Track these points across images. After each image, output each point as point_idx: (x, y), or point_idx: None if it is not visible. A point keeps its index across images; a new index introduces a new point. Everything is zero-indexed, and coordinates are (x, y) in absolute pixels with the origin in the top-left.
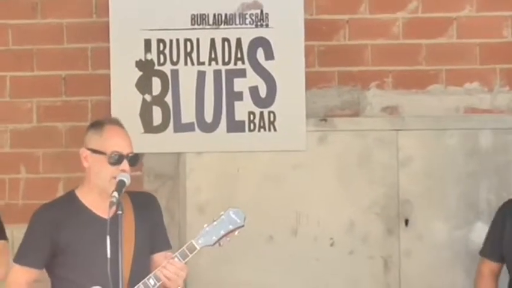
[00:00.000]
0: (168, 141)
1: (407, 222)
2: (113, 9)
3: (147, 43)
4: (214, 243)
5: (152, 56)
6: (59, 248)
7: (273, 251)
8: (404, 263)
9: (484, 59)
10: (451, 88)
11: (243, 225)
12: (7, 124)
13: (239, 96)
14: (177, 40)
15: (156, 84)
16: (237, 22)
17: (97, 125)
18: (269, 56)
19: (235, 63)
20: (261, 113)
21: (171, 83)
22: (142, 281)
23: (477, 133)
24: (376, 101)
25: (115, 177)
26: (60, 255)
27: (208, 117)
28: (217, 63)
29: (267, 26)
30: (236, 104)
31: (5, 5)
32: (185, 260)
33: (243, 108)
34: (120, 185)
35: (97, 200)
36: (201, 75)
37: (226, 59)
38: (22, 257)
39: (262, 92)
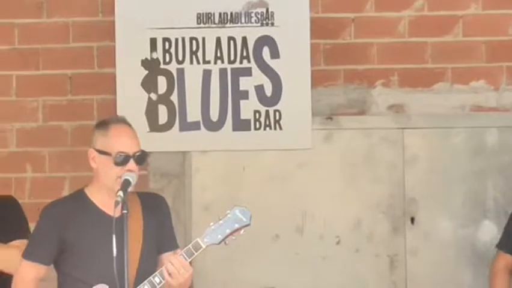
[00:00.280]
0: (174, 140)
1: (413, 220)
2: (118, 8)
3: (153, 42)
4: (220, 242)
5: (158, 54)
6: (66, 244)
7: (279, 250)
8: (410, 261)
9: (490, 57)
10: (457, 86)
11: (249, 224)
12: (13, 123)
13: (245, 94)
14: (183, 39)
15: (162, 83)
16: (243, 21)
17: (103, 124)
18: (275, 54)
19: (241, 62)
20: (267, 112)
21: (177, 81)
22: (148, 279)
23: (483, 131)
24: (382, 99)
25: (121, 177)
26: (67, 252)
27: (214, 115)
28: (222, 61)
29: (272, 24)
30: (242, 102)
31: (11, 4)
32: (191, 258)
33: (249, 107)
34: (125, 184)
35: (106, 198)
36: (207, 74)
37: (232, 58)
38: (30, 253)
39: (268, 91)
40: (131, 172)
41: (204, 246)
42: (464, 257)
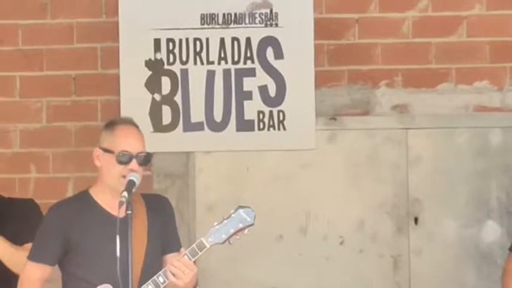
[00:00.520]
0: (177, 140)
1: (416, 220)
2: (122, 9)
3: (156, 43)
4: (224, 242)
5: (162, 55)
6: (71, 245)
7: (283, 250)
8: (413, 261)
9: (494, 57)
10: (461, 87)
11: (253, 224)
12: (17, 124)
13: (248, 95)
14: (187, 39)
15: (166, 83)
16: (247, 21)
17: (111, 124)
18: (279, 55)
19: (245, 63)
20: (271, 112)
21: (181, 82)
22: (151, 279)
23: (487, 131)
24: (386, 100)
25: (124, 176)
26: (72, 252)
27: (218, 116)
28: (226, 62)
29: (276, 25)
30: (245, 103)
31: (15, 5)
32: (195, 258)
33: (253, 108)
34: (130, 184)
35: (110, 199)
36: (211, 75)
37: (236, 58)
38: (35, 254)
39: (272, 91)
40: (134, 172)
41: (208, 246)
42: (468, 257)
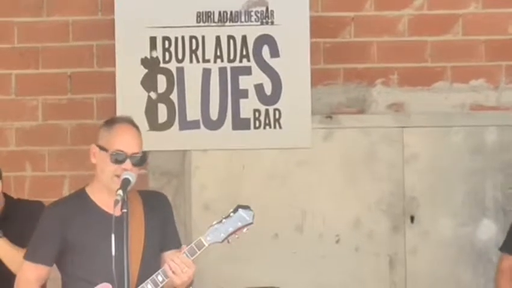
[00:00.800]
0: (173, 138)
1: (412, 219)
2: (118, 6)
3: (152, 41)
4: (223, 240)
5: (158, 53)
6: (68, 244)
7: (279, 248)
8: (409, 259)
9: (490, 55)
10: (457, 85)
11: (251, 223)
12: (12, 122)
13: (244, 93)
14: (182, 37)
15: (161, 81)
16: (242, 19)
17: (109, 122)
18: (274, 53)
19: (241, 61)
20: (266, 111)
21: (176, 80)
22: (150, 278)
23: (483, 130)
24: (382, 98)
25: (118, 176)
26: (69, 252)
27: (214, 114)
28: (222, 60)
29: (272, 23)
30: (241, 101)
31: (11, 3)
32: (194, 257)
33: (248, 106)
34: (125, 183)
35: (106, 197)
36: (206, 73)
37: (232, 57)
38: (32, 254)
39: (268, 90)
40: (127, 171)
41: (206, 245)
42: (464, 256)
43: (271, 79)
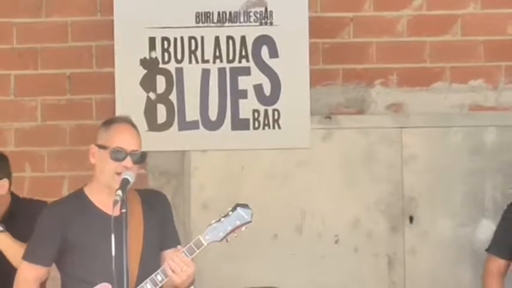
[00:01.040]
0: (173, 139)
1: (411, 219)
2: (117, 7)
3: (151, 41)
4: (222, 239)
5: (157, 54)
6: (66, 245)
7: (278, 249)
8: (408, 260)
9: (489, 56)
10: (456, 85)
11: (250, 221)
12: (12, 122)
13: (243, 94)
14: (182, 38)
15: (160, 82)
16: (242, 20)
17: (108, 122)
18: (273, 53)
19: (240, 61)
20: (266, 111)
21: (176, 81)
22: (150, 277)
23: (482, 130)
24: (380, 99)
25: (118, 174)
26: (68, 253)
27: (213, 115)
28: (221, 61)
29: (271, 23)
30: (240, 102)
31: (10, 3)
32: (193, 256)
33: (248, 106)
34: (124, 183)
35: (105, 197)
36: (206, 73)
37: (231, 57)
38: (30, 255)
39: (267, 90)
40: (128, 170)
41: (205, 244)
42: (463, 256)
43: (270, 79)
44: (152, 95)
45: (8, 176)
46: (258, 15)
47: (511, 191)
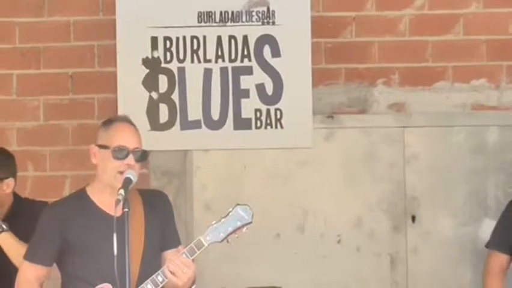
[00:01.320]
0: (175, 138)
1: (414, 218)
2: (119, 6)
3: (154, 41)
4: (222, 240)
5: (159, 53)
6: (68, 245)
7: (280, 248)
8: (411, 259)
9: (491, 55)
10: (458, 85)
11: (250, 222)
12: (14, 122)
13: (246, 93)
14: (184, 37)
15: (163, 81)
16: (244, 19)
17: (107, 122)
18: (276, 53)
19: (242, 61)
20: (268, 110)
21: (178, 80)
22: (150, 278)
23: (484, 130)
24: (383, 98)
25: (120, 173)
26: (69, 253)
27: (215, 114)
28: (223, 60)
29: (273, 23)
30: (243, 101)
31: (12, 2)
32: (193, 257)
33: (250, 106)
34: (126, 182)
35: (106, 197)
36: (208, 73)
37: (233, 57)
38: (31, 254)
39: (269, 89)
40: (130, 168)
41: (206, 245)
42: (466, 255)
43: (272, 79)
44: (154, 95)
45: (14, 175)
46: (260, 15)
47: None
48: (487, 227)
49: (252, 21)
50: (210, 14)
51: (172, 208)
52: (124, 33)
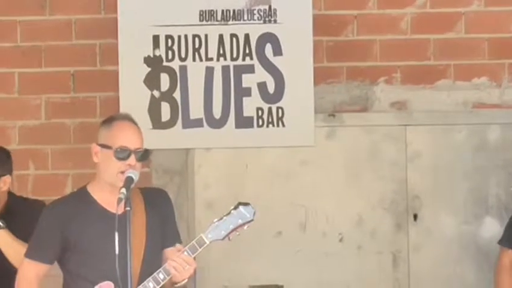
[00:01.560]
0: (176, 137)
1: (415, 217)
2: (121, 5)
3: (155, 39)
4: (224, 238)
5: (161, 52)
6: (69, 243)
7: (282, 247)
8: (412, 258)
9: (493, 53)
10: (459, 83)
11: (252, 220)
12: (16, 120)
13: (247, 92)
14: (185, 36)
15: (164, 80)
16: (245, 18)
17: (109, 120)
18: (277, 51)
19: (244, 59)
20: (269, 109)
21: (179, 79)
22: (152, 276)
23: (485, 128)
24: (384, 97)
25: (122, 172)
26: (70, 251)
27: (217, 113)
28: (225, 59)
29: (275, 21)
30: (244, 99)
31: (14, 1)
32: (195, 254)
33: (252, 104)
34: (128, 181)
35: (108, 195)
36: (209, 71)
37: (235, 55)
38: (32, 252)
39: (271, 88)
40: (132, 168)
41: (207, 242)
42: (467, 254)
43: (274, 77)
44: (156, 93)
45: (11, 172)
46: (261, 13)
47: None
48: (489, 225)
49: (254, 20)
50: (212, 12)
51: (173, 205)
52: (125, 31)
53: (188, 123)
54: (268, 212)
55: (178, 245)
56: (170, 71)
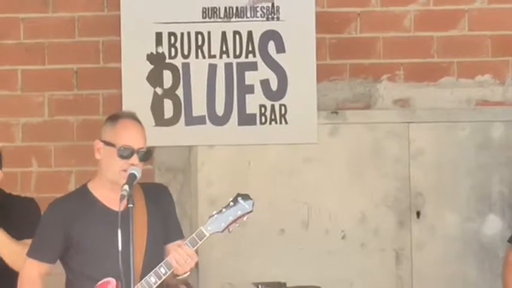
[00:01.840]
0: (179, 134)
1: (418, 214)
2: (124, 2)
3: (158, 36)
4: (223, 230)
5: (164, 49)
6: (71, 241)
7: (285, 244)
8: (415, 255)
9: (496, 51)
10: (463, 80)
11: (251, 211)
12: (19, 118)
13: (250, 89)
14: (188, 33)
15: (167, 77)
16: (248, 15)
17: (113, 118)
18: (280, 49)
19: (247, 56)
20: (272, 106)
21: (182, 76)
22: (154, 270)
23: (489, 125)
24: (387, 94)
25: (124, 170)
26: (73, 249)
27: (220, 110)
28: (228, 56)
29: (278, 19)
30: (247, 97)
31: None
32: (196, 247)
33: (254, 101)
34: (131, 178)
35: (109, 193)
36: (212, 68)
37: (238, 52)
38: (34, 251)
39: (274, 85)
40: (134, 166)
41: (207, 235)
42: (470, 251)
43: (277, 75)
44: (159, 90)
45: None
46: (264, 11)
47: None
48: (492, 223)
49: (257, 17)
50: (215, 9)
51: (173, 200)
52: (128, 29)
53: (191, 121)
54: (271, 210)
55: (179, 242)
56: (173, 68)
